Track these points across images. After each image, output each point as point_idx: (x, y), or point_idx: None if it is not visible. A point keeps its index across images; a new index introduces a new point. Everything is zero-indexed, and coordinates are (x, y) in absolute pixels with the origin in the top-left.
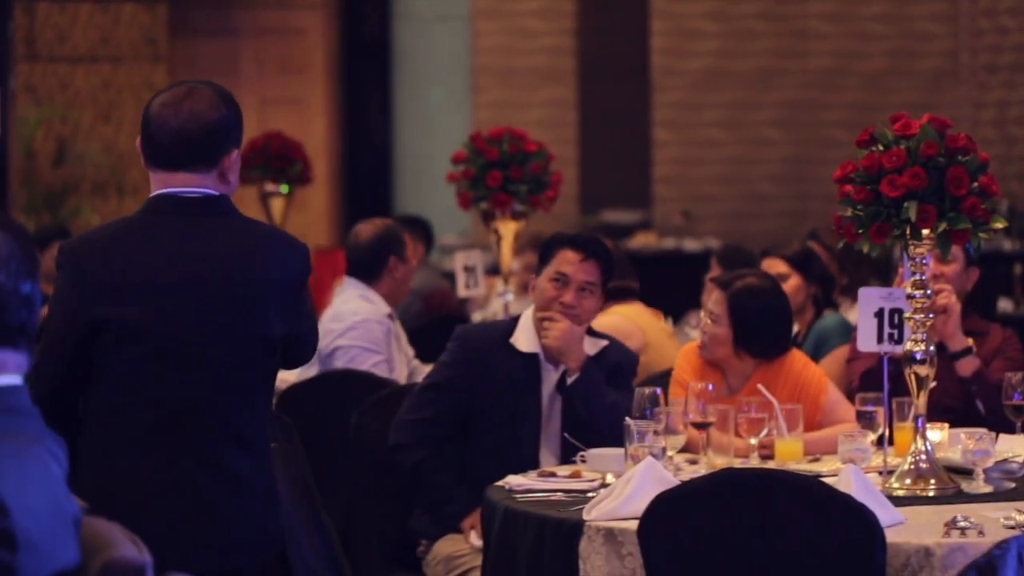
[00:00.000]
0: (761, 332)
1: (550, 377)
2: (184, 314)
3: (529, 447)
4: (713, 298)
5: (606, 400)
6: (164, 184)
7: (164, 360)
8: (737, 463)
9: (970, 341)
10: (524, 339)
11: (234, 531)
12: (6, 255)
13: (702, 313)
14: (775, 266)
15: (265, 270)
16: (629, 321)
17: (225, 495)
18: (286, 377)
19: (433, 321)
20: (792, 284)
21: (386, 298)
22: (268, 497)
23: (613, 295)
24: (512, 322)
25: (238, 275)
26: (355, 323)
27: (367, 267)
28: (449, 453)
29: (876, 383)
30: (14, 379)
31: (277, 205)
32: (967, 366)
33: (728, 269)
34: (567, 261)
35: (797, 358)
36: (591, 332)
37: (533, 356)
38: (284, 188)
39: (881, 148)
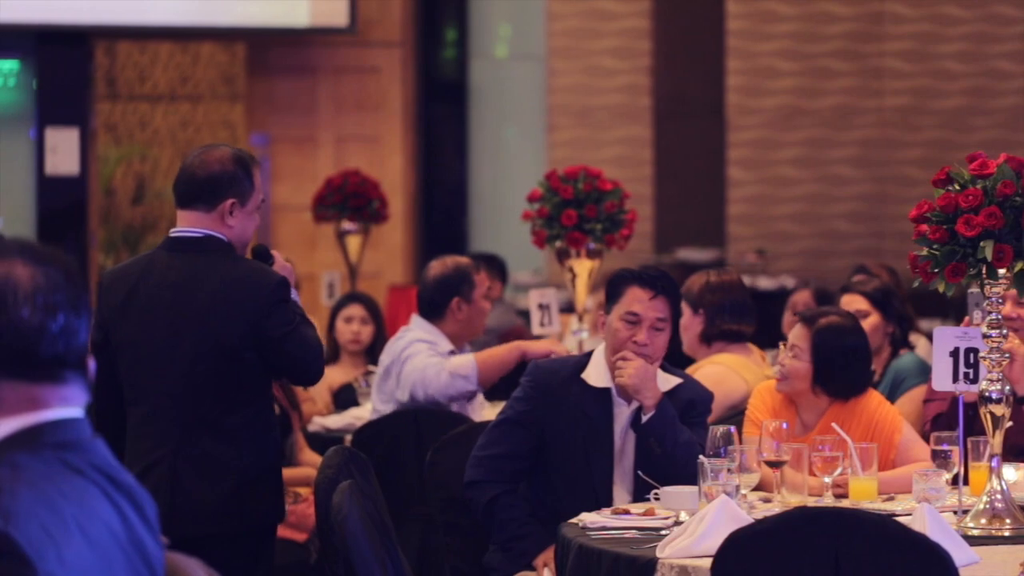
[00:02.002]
0: (840, 372)
1: (622, 413)
2: (162, 329)
3: (603, 483)
4: (796, 332)
5: (681, 438)
6: (179, 222)
7: (148, 365)
8: (811, 501)
9: None
10: (596, 374)
11: (199, 505)
12: (32, 290)
13: (781, 347)
14: (855, 302)
15: (229, 294)
16: (731, 371)
17: (195, 475)
18: (360, 414)
19: None
20: (871, 322)
21: (451, 337)
22: (243, 478)
23: (725, 336)
24: (584, 358)
25: (206, 298)
26: (404, 351)
27: (430, 305)
28: (523, 489)
29: (947, 427)
30: (61, 413)
31: (353, 243)
32: None
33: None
34: (637, 300)
35: (872, 397)
36: (664, 369)
37: (605, 391)
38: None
39: (957, 187)
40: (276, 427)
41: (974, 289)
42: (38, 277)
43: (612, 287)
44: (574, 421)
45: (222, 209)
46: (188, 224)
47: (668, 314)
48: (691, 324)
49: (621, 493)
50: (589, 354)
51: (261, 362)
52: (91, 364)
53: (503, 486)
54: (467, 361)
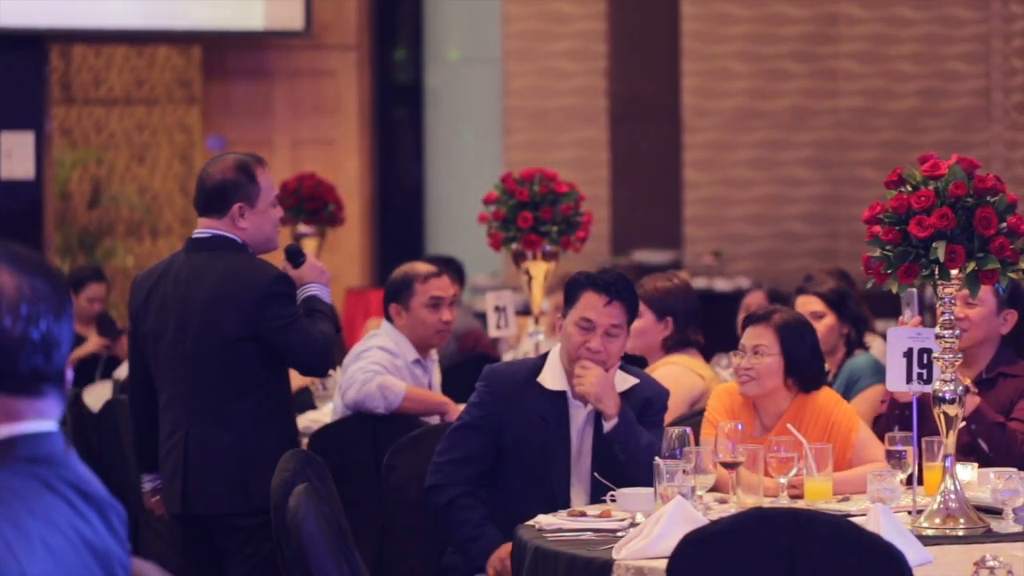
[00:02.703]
0: (808, 362)
1: (579, 414)
2: (172, 322)
3: (560, 484)
4: (756, 332)
5: (642, 441)
6: (197, 226)
7: (163, 355)
8: (766, 502)
9: (967, 381)
10: (551, 377)
11: (208, 486)
12: (15, 299)
13: (737, 354)
14: (810, 304)
15: (227, 288)
16: (687, 369)
17: (203, 458)
18: (317, 417)
19: (466, 360)
20: (827, 323)
21: (413, 343)
22: (247, 462)
23: (687, 344)
24: (540, 360)
25: (207, 292)
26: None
27: (384, 310)
28: (482, 493)
29: (886, 428)
30: (35, 426)
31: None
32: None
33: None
34: (591, 306)
35: (830, 396)
36: (620, 367)
37: (561, 394)
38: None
39: (910, 189)
40: (284, 414)
41: (907, 288)
42: (23, 287)
43: (569, 291)
44: (531, 424)
45: (232, 214)
46: (203, 227)
47: (623, 320)
48: (653, 329)
49: (579, 494)
50: (544, 356)
51: (264, 353)
52: (69, 375)
53: (461, 489)
54: (399, 387)
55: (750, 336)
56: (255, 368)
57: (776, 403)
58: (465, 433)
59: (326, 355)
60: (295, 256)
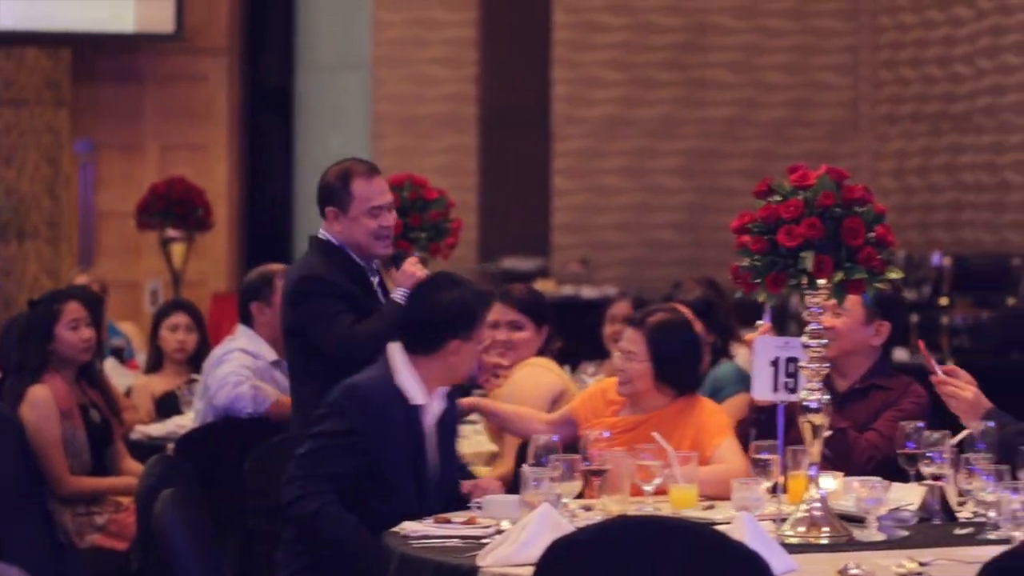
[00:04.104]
0: (680, 367)
1: (430, 423)
2: None
3: (425, 496)
4: (628, 336)
5: None
6: None
7: None
8: (632, 510)
9: None
10: (413, 390)
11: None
12: None
13: (616, 353)
14: None
15: (285, 284)
16: (545, 369)
17: (295, 441)
18: (183, 423)
19: None
20: None
21: (271, 343)
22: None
23: (541, 351)
24: (386, 372)
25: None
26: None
27: (240, 311)
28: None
29: (745, 432)
30: None
31: (177, 250)
32: None
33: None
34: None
35: (706, 404)
36: None
37: (418, 406)
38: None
39: (779, 198)
40: None
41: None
42: None
43: (474, 314)
44: (398, 442)
45: (329, 216)
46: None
47: None
48: (536, 337)
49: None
50: (388, 365)
51: (310, 344)
52: None
53: (328, 498)
54: (269, 392)
55: (625, 339)
56: (307, 357)
57: (649, 402)
58: (330, 452)
59: (352, 351)
60: (396, 260)
